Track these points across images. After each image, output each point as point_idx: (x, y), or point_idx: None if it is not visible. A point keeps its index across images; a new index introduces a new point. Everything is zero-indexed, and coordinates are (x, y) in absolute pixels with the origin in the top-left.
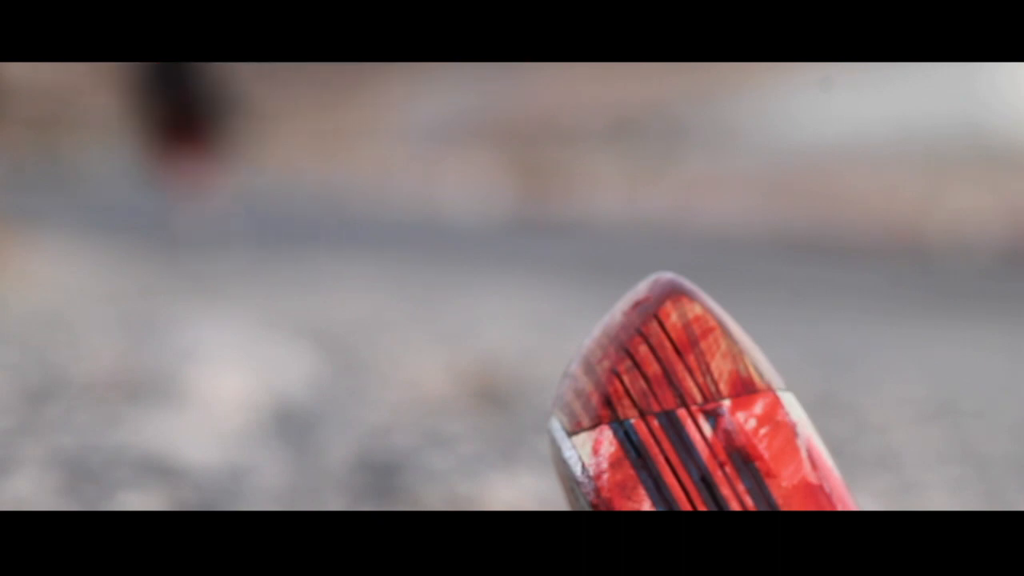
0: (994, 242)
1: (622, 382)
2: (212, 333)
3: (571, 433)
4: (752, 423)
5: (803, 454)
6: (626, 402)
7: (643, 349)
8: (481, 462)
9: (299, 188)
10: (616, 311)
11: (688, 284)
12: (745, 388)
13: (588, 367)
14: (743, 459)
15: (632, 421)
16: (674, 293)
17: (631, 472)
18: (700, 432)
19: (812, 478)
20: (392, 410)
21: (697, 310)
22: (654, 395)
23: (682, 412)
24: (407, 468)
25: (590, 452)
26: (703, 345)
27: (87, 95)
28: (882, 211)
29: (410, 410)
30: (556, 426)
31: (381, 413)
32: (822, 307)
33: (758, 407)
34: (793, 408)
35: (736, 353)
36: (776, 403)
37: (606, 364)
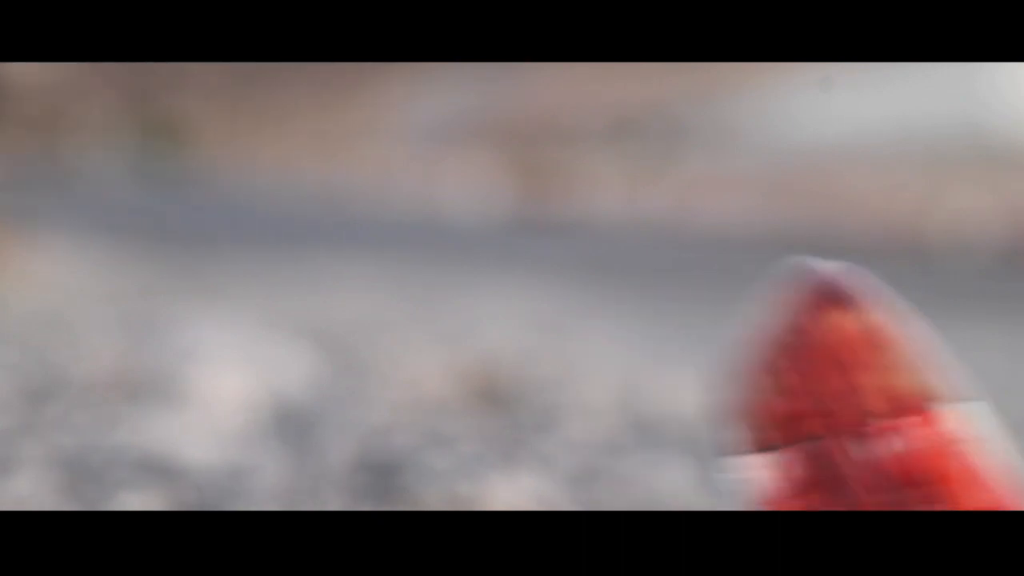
0: (994, 242)
1: (776, 405)
2: (212, 333)
3: (742, 453)
4: (927, 441)
5: (980, 469)
6: (797, 423)
7: (799, 367)
8: (481, 462)
9: (299, 188)
10: (780, 314)
11: (850, 285)
12: (911, 405)
13: (743, 382)
14: (919, 479)
15: (804, 442)
16: (834, 299)
17: (806, 494)
18: (873, 452)
19: (990, 493)
20: (392, 410)
21: (858, 319)
22: (824, 415)
23: (854, 431)
24: (407, 468)
25: (764, 474)
26: (875, 358)
27: (87, 95)
28: (882, 211)
29: (410, 410)
30: (727, 440)
31: (381, 413)
32: None
33: (933, 423)
34: (971, 421)
35: (910, 366)
36: (951, 417)
37: (759, 383)
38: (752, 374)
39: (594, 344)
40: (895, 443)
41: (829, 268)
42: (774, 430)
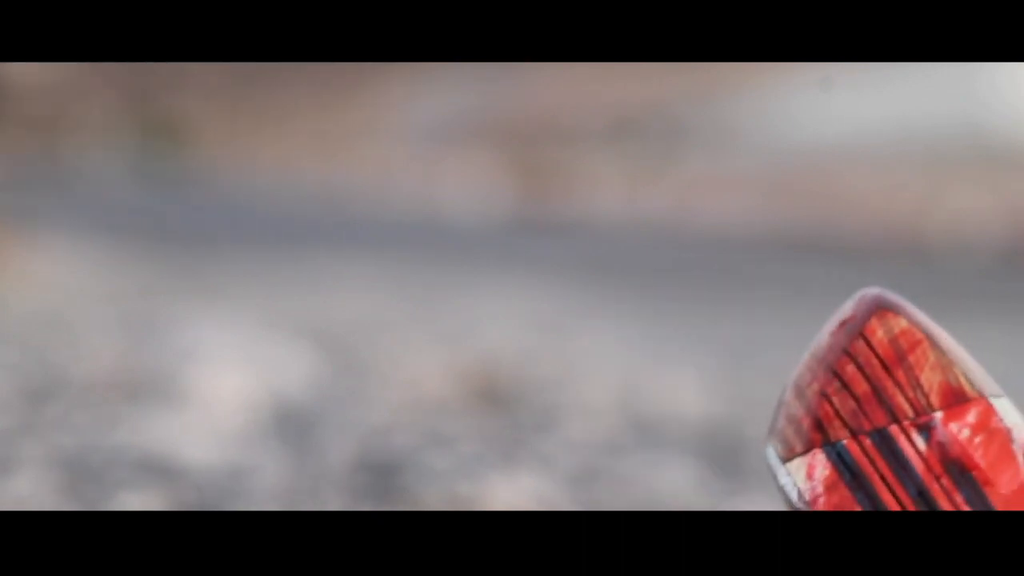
0: (994, 242)
1: (832, 404)
2: (212, 333)
3: (785, 460)
4: (966, 432)
5: (1020, 459)
6: (837, 423)
7: (851, 369)
8: (481, 462)
9: (299, 188)
10: (823, 332)
11: (893, 298)
12: (956, 398)
13: (799, 392)
14: (959, 470)
15: (844, 442)
16: (879, 309)
17: (847, 494)
18: (914, 447)
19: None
20: (392, 410)
21: (903, 324)
22: (864, 414)
23: (894, 428)
24: (407, 468)
25: (804, 477)
26: (911, 359)
27: (87, 95)
28: (882, 211)
29: (410, 410)
30: (771, 454)
31: (381, 413)
32: (822, 307)
33: (971, 416)
34: (1008, 413)
35: (945, 364)
36: (989, 410)
37: (815, 387)
38: (818, 378)
39: (594, 344)
40: (958, 431)
41: (872, 289)
42: (840, 426)
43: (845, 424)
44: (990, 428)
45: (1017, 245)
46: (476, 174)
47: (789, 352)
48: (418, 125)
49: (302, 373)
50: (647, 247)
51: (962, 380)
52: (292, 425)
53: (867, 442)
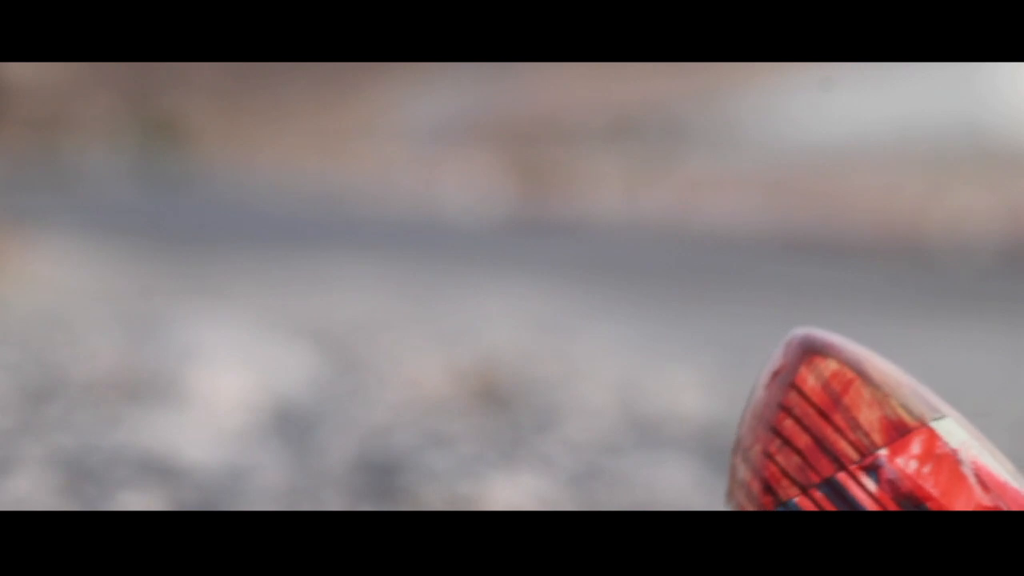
0: (994, 242)
1: (776, 463)
2: (212, 333)
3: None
4: (913, 465)
5: (971, 480)
6: (785, 482)
7: (789, 423)
8: (481, 462)
9: (299, 188)
10: (758, 387)
11: (820, 338)
12: (898, 431)
13: (744, 455)
14: (913, 504)
15: (795, 500)
16: (807, 355)
17: None
18: (864, 490)
19: (986, 501)
20: (392, 410)
21: (832, 366)
22: (810, 466)
23: (842, 475)
24: (407, 468)
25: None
26: (846, 400)
27: (87, 95)
28: (882, 211)
29: (410, 410)
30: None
31: (381, 413)
32: (822, 307)
33: (915, 447)
34: (951, 435)
35: (881, 398)
36: (932, 436)
37: (758, 448)
38: (759, 438)
39: (594, 344)
40: (905, 464)
41: (799, 331)
42: (789, 484)
43: (793, 481)
44: (936, 455)
45: (1017, 245)
46: (476, 174)
47: None
48: (418, 125)
49: (302, 373)
50: (647, 247)
51: (900, 411)
52: (292, 425)
53: (818, 495)
